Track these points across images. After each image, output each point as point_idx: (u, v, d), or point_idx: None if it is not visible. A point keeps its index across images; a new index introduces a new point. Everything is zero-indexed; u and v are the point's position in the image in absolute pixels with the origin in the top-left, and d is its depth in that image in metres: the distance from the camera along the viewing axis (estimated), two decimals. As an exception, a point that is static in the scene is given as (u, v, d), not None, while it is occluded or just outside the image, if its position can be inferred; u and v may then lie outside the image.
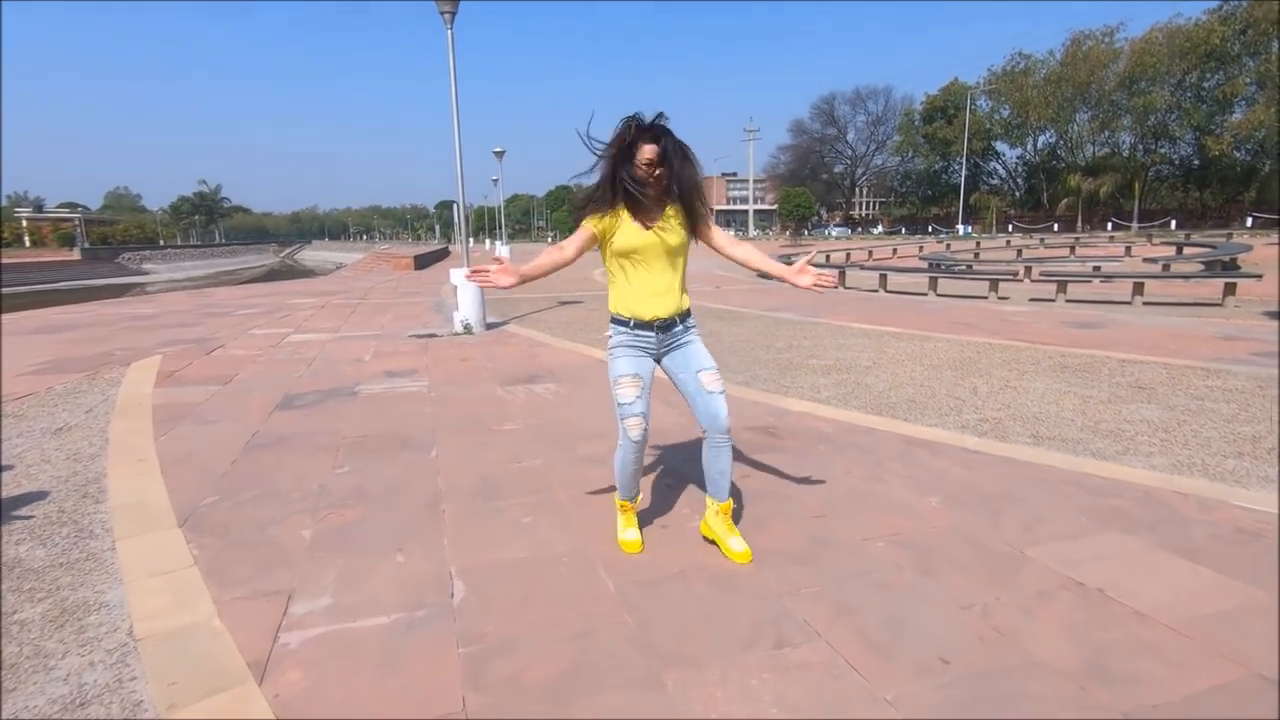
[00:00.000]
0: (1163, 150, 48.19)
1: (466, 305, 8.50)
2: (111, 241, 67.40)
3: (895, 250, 29.04)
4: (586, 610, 2.28)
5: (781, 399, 5.10)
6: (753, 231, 67.98)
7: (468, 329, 8.46)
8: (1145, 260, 16.53)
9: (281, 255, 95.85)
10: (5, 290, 32.22)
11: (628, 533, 2.79)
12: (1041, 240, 30.75)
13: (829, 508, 3.12)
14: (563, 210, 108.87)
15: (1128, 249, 23.17)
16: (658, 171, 2.43)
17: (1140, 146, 48.47)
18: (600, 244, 2.56)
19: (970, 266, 17.45)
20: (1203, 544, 2.71)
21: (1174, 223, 37.12)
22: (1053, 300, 11.53)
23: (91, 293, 28.67)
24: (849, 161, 71.52)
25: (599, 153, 2.48)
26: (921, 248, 29.03)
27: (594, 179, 2.52)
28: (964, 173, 53.47)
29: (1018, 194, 60.15)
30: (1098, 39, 47.62)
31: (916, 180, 67.46)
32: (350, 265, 40.52)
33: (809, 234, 60.54)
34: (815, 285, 2.59)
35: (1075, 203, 47.46)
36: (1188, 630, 2.13)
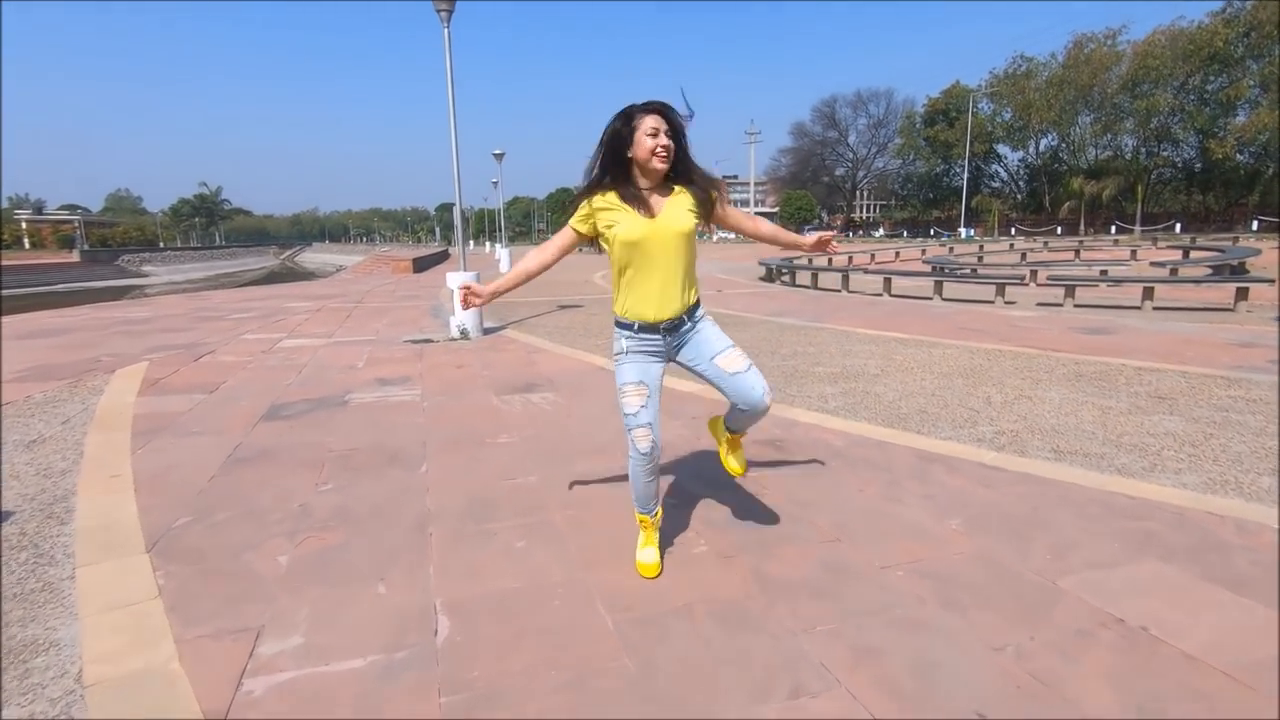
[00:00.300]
0: (1165, 153, 47.98)
1: (463, 309, 8.28)
2: (111, 244, 67.31)
3: (898, 253, 28.85)
4: (582, 652, 2.08)
5: (788, 409, 4.89)
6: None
7: (464, 334, 8.26)
8: (1153, 264, 16.32)
9: (282, 258, 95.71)
10: (4, 293, 32.04)
11: (645, 552, 2.59)
12: (1045, 244, 30.54)
13: (843, 531, 2.92)
14: (563, 213, 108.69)
15: (1133, 252, 22.97)
16: (662, 144, 2.23)
17: (1143, 149, 48.26)
18: (600, 240, 2.37)
19: (975, 270, 17.25)
20: (1248, 574, 2.51)
21: (1179, 226, 36.92)
22: (1061, 305, 11.33)
23: (90, 295, 28.51)
24: (850, 164, 71.38)
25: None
26: (924, 251, 28.84)
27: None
28: (966, 176, 53.28)
29: (1019, 197, 59.94)
30: (1100, 42, 47.43)
31: (918, 183, 67.25)
32: (350, 268, 40.38)
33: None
34: (824, 244, 2.75)
35: (1078, 206, 47.25)
36: (1245, 677, 1.93)
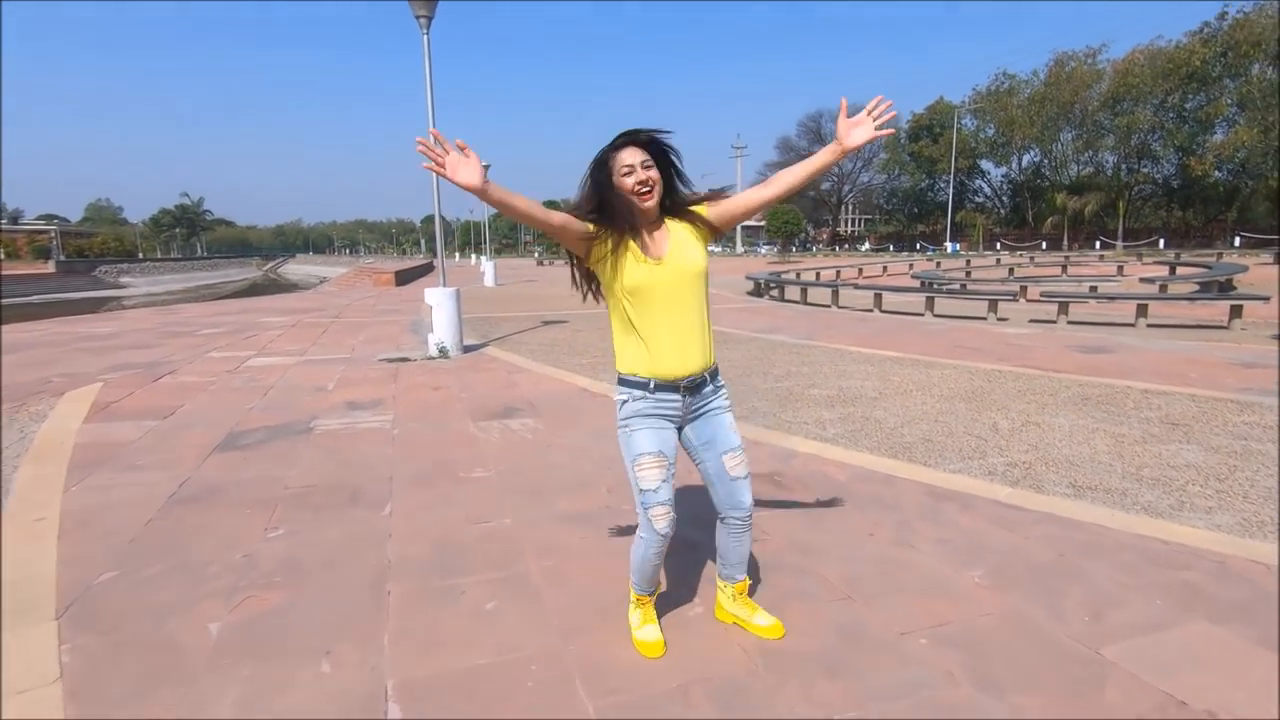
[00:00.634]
0: (1146, 170, 48.56)
1: (442, 327, 7.95)
2: (88, 254, 66.08)
3: (885, 268, 28.81)
4: (558, 755, 1.74)
5: (785, 438, 4.59)
6: (740, 249, 67.88)
7: (443, 352, 7.90)
8: (1142, 280, 16.27)
9: (265, 269, 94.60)
10: (-28, 304, 31.20)
11: (645, 630, 2.25)
12: (1031, 258, 30.65)
13: (855, 586, 2.61)
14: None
15: (1120, 268, 23.02)
16: (640, 179, 1.92)
17: (1124, 166, 48.83)
18: (595, 276, 2.04)
19: (964, 286, 17.13)
20: (1313, 640, 2.22)
21: (1162, 241, 37.28)
22: (1054, 322, 11.15)
23: (64, 307, 27.78)
24: (835, 179, 71.68)
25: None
26: (911, 265, 28.82)
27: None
28: (951, 191, 53.67)
29: (1003, 212, 60.44)
30: (1080, 60, 48.06)
31: (903, 198, 67.70)
32: (334, 280, 39.79)
33: (796, 250, 60.49)
34: (875, 129, 2.03)
35: (1061, 221, 47.65)
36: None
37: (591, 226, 1.95)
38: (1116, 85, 45.06)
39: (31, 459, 4.17)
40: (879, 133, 2.03)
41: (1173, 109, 44.35)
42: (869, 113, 2.04)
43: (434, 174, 1.80)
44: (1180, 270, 19.81)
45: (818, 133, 70.04)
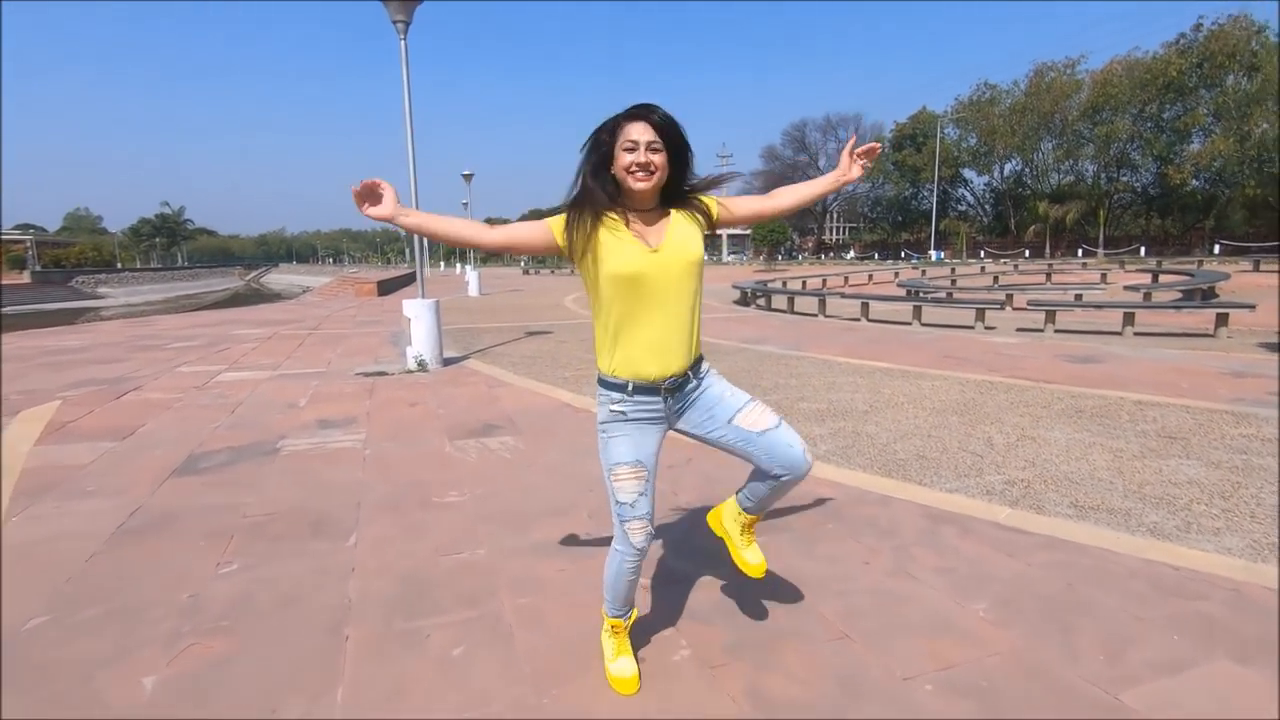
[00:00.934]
0: (1125, 179, 49.18)
1: (421, 339, 7.73)
2: (65, 264, 64.94)
3: (871, 276, 28.82)
4: (526, 837, 1.54)
5: (774, 455, 4.41)
6: (727, 257, 67.99)
7: (422, 365, 7.67)
8: (1126, 288, 16.32)
9: (247, 279, 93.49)
10: (-58, 316, 30.46)
11: (619, 664, 2.07)
12: (1015, 266, 30.81)
13: (852, 622, 2.43)
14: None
15: (1103, 275, 23.14)
16: (639, 161, 1.75)
17: (1103, 175, 49.43)
18: (579, 265, 1.85)
19: (950, 294, 17.11)
20: (1346, 681, 2.07)
21: (1143, 249, 37.66)
22: (1041, 330, 11.09)
23: (39, 319, 27.17)
24: (820, 188, 72.12)
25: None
26: (897, 274, 28.85)
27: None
28: (935, 199, 54.07)
29: (986, 220, 60.93)
30: (1060, 71, 48.67)
31: (887, 206, 68.16)
32: (317, 289, 39.32)
33: (782, 259, 60.64)
34: (862, 166, 2.10)
35: (1043, 229, 48.08)
36: None
37: (560, 243, 1.81)
38: (1095, 95, 45.64)
39: (-27, 486, 3.91)
40: (859, 175, 2.12)
41: (1151, 119, 44.97)
42: (863, 153, 2.09)
43: (371, 204, 1.86)
44: (1163, 278, 19.94)
45: (802, 141, 70.51)
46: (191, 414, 5.63)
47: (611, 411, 1.89)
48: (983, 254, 45.47)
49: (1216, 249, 32.25)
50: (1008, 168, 56.60)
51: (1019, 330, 11.46)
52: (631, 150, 1.75)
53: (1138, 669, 2.14)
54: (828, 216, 78.27)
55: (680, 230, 1.85)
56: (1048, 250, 45.94)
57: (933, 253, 48.26)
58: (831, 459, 4.35)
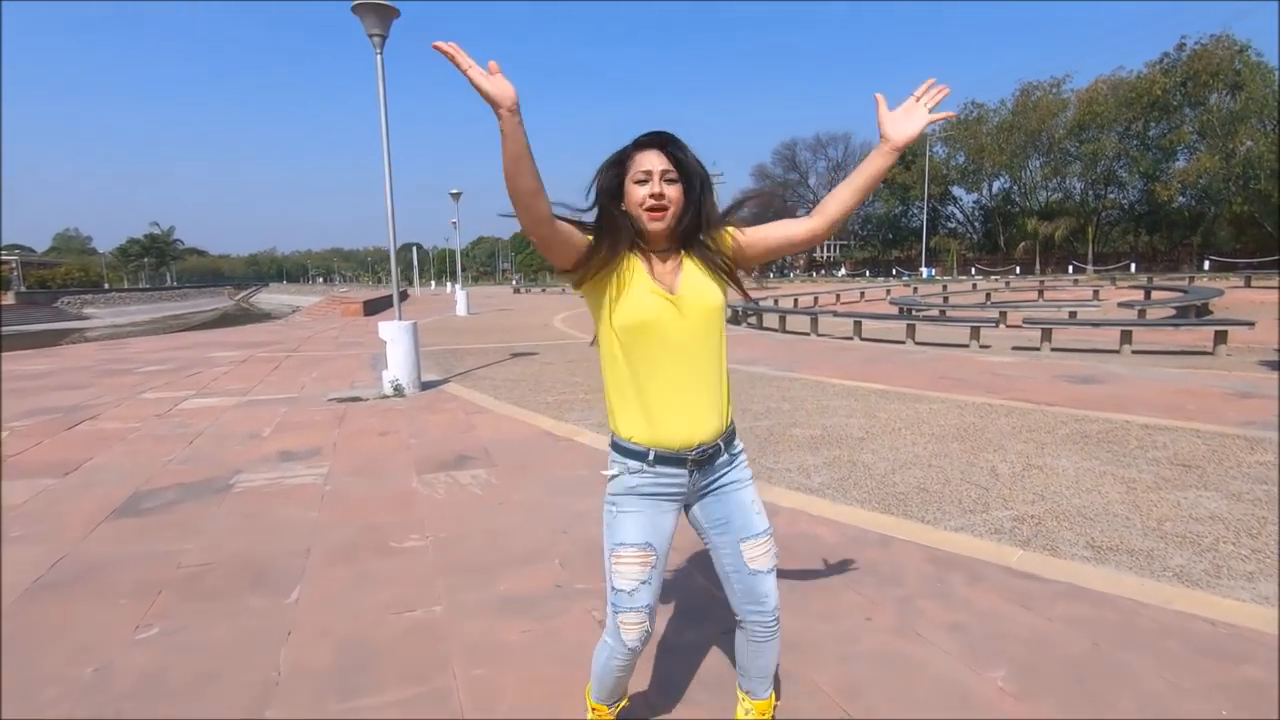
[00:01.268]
0: (1112, 196, 49.54)
1: (398, 363, 7.41)
2: (51, 285, 64.31)
3: (863, 293, 28.70)
4: None
5: (766, 488, 4.11)
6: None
7: (398, 390, 7.35)
8: (1120, 305, 16.17)
9: (236, 299, 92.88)
10: (-80, 338, 29.84)
11: None
12: (1007, 283, 30.76)
13: (855, 696, 2.12)
14: (528, 252, 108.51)
15: (1095, 292, 23.06)
16: (654, 193, 1.48)
17: (1091, 192, 49.78)
18: (592, 310, 1.58)
19: (944, 312, 16.93)
20: None
21: (1133, 265, 37.77)
22: (1038, 349, 10.87)
23: (17, 341, 26.67)
24: (811, 205, 72.46)
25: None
26: (889, 291, 28.74)
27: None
28: (925, 217, 54.29)
29: (975, 237, 61.24)
30: (1046, 89, 49.17)
31: (877, 224, 68.41)
32: (306, 309, 38.94)
33: (773, 276, 60.68)
34: (930, 115, 1.62)
35: (1032, 246, 48.31)
36: None
37: (589, 237, 1.51)
38: (1081, 113, 46.07)
39: (-115, 532, 3.55)
40: (934, 117, 1.62)
41: (1136, 136, 45.36)
42: (917, 98, 1.63)
43: (462, 71, 1.29)
44: (1155, 294, 19.83)
45: (792, 160, 71.00)
46: (145, 446, 5.28)
47: (626, 483, 1.59)
48: (974, 271, 45.55)
49: (1206, 265, 32.33)
50: (996, 185, 57.01)
51: (1015, 349, 11.24)
52: (645, 181, 1.49)
53: (1187, 756, 1.84)
54: (818, 234, 78.52)
55: (696, 274, 1.57)
56: (1038, 267, 46.12)
57: (924, 270, 48.34)
58: (827, 493, 4.05)
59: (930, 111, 1.61)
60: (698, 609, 2.69)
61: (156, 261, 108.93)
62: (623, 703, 1.81)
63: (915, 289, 29.43)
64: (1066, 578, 2.92)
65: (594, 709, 1.79)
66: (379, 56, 7.18)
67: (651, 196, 1.49)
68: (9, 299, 52.70)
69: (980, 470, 4.45)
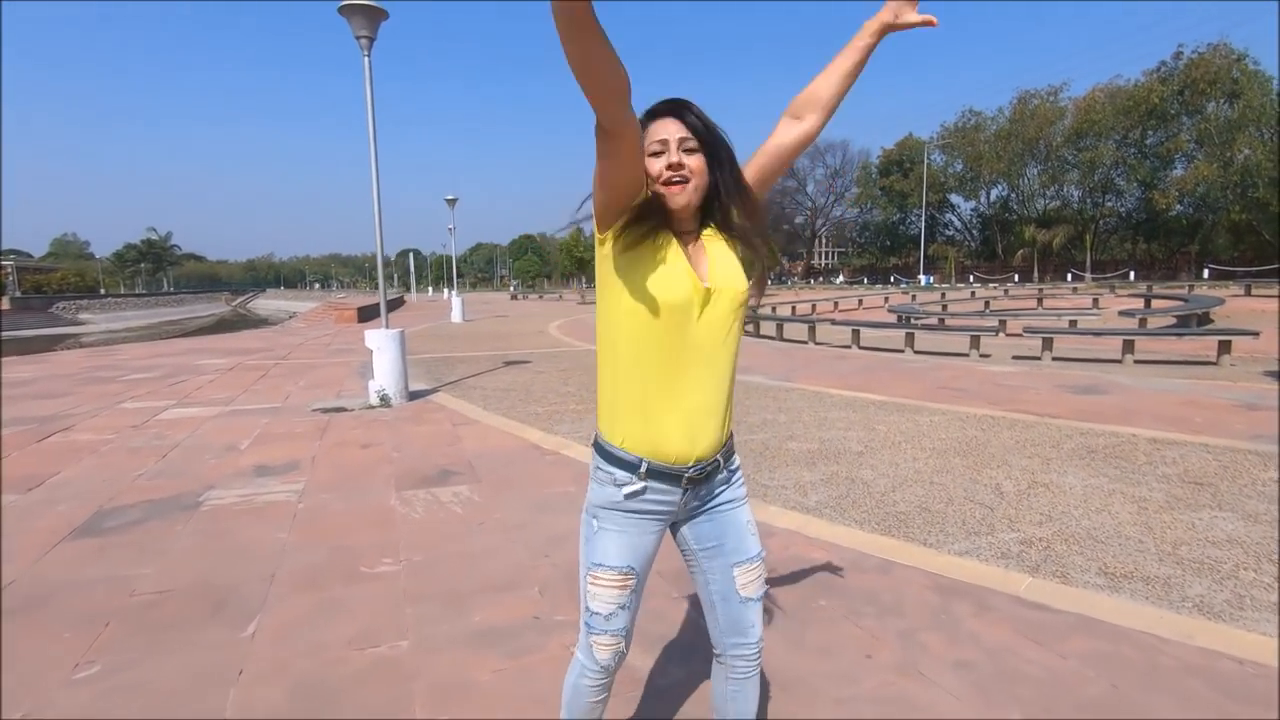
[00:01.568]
0: (1110, 204, 49.59)
1: (384, 372, 7.22)
2: (47, 290, 64.09)
3: (860, 301, 28.59)
4: None
5: (761, 508, 3.92)
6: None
7: (384, 400, 7.16)
8: (1120, 314, 16.02)
9: (234, 304, 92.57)
10: (-89, 344, 29.58)
11: None
12: (1005, 291, 30.67)
13: (853, 749, 1.93)
14: (526, 259, 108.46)
15: (1095, 300, 22.94)
16: (672, 163, 1.30)
17: (1089, 200, 49.83)
18: (605, 262, 1.35)
19: (942, 320, 16.78)
20: None
21: (1132, 273, 37.72)
22: (1039, 359, 10.71)
23: (14, 346, 26.43)
24: (809, 212, 72.45)
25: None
26: (887, 299, 28.63)
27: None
28: (924, 224, 54.29)
29: (973, 245, 61.27)
30: (1043, 97, 49.27)
31: (875, 231, 68.46)
32: (302, 314, 38.75)
33: (771, 283, 60.54)
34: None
35: (1030, 253, 48.31)
36: None
37: (635, 191, 1.29)
38: (1079, 121, 46.15)
39: None
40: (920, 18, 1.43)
41: (1134, 144, 45.44)
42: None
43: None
44: (1155, 303, 19.70)
45: (790, 167, 70.98)
46: (116, 459, 5.08)
47: (609, 494, 1.40)
48: (971, 278, 45.54)
49: (1206, 273, 32.27)
50: (994, 193, 57.09)
51: (1016, 358, 11.07)
52: (661, 153, 1.31)
53: (1223, 822, 1.65)
54: (816, 242, 78.60)
55: (722, 260, 1.38)
56: (1036, 274, 46.08)
57: (922, 277, 48.27)
58: (824, 512, 3.86)
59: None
60: (685, 644, 2.50)
61: (154, 267, 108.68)
62: None
63: (913, 296, 29.33)
64: (1079, 608, 2.74)
65: None
66: (366, 59, 7.02)
67: (669, 168, 1.30)
68: (4, 304, 52.44)
69: (984, 488, 4.27)
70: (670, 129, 1.31)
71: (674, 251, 1.33)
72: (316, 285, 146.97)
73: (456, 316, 22.59)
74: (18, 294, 58.85)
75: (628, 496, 1.38)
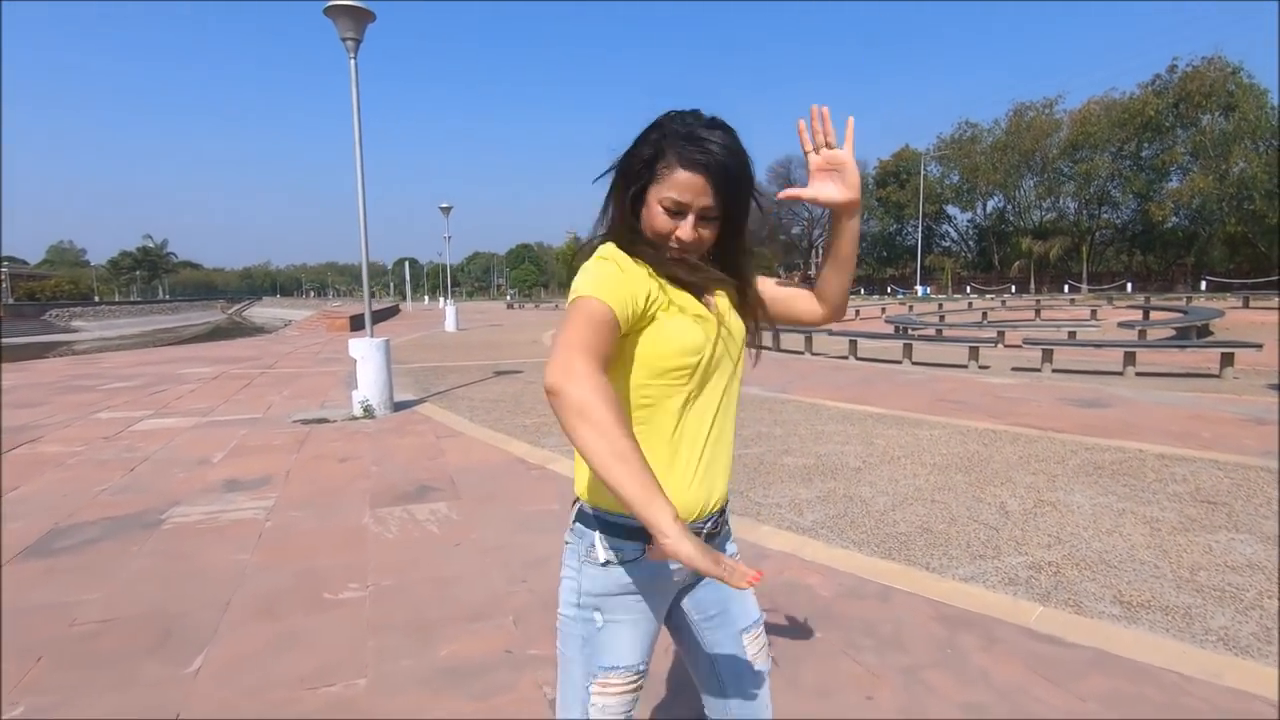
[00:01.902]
0: (1106, 215, 49.62)
1: (368, 382, 7.01)
2: (40, 297, 63.73)
3: (858, 311, 28.41)
4: None
5: (754, 528, 3.72)
6: (713, 291, 67.74)
7: (368, 411, 6.95)
8: (1120, 325, 15.89)
9: (229, 312, 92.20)
10: (-102, 351, 29.22)
11: None
12: (1003, 302, 30.56)
13: (852, 810, 1.72)
14: (523, 268, 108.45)
15: (1093, 312, 22.82)
16: (685, 236, 1.13)
17: (1085, 211, 49.87)
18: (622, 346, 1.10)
19: (940, 331, 16.63)
20: None
21: (1129, 285, 37.65)
22: (1039, 370, 10.54)
23: (5, 354, 26.10)
24: (806, 223, 72.59)
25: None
26: (884, 309, 28.47)
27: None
28: (920, 235, 54.28)
29: (970, 256, 61.25)
30: (1039, 110, 49.39)
31: (872, 242, 68.45)
32: (297, 323, 38.51)
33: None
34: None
35: (1027, 265, 48.25)
36: None
37: (626, 310, 1.04)
38: (1075, 134, 46.21)
39: None
40: (847, 149, 1.22)
41: (1129, 157, 45.50)
42: (816, 151, 1.24)
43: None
44: (1154, 315, 19.57)
45: (787, 178, 71.21)
46: (82, 473, 4.86)
47: (614, 578, 1.14)
48: (969, 289, 45.48)
49: (1203, 285, 32.22)
50: (990, 204, 57.09)
51: (1015, 370, 10.90)
52: (676, 212, 1.11)
53: None
54: (813, 252, 78.70)
55: (723, 302, 1.24)
56: (1033, 285, 46.00)
57: (919, 288, 48.20)
58: (821, 533, 3.66)
59: (840, 147, 1.22)
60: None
61: (149, 274, 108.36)
62: None
63: (911, 307, 29.19)
64: (1095, 641, 2.54)
65: None
66: (352, 62, 6.86)
67: (676, 238, 1.12)
68: (-3, 311, 52.09)
69: (988, 507, 4.08)
70: (696, 190, 1.09)
71: (680, 292, 1.14)
72: (312, 293, 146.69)
73: (450, 325, 22.38)
74: (10, 301, 58.52)
75: (641, 569, 1.13)
